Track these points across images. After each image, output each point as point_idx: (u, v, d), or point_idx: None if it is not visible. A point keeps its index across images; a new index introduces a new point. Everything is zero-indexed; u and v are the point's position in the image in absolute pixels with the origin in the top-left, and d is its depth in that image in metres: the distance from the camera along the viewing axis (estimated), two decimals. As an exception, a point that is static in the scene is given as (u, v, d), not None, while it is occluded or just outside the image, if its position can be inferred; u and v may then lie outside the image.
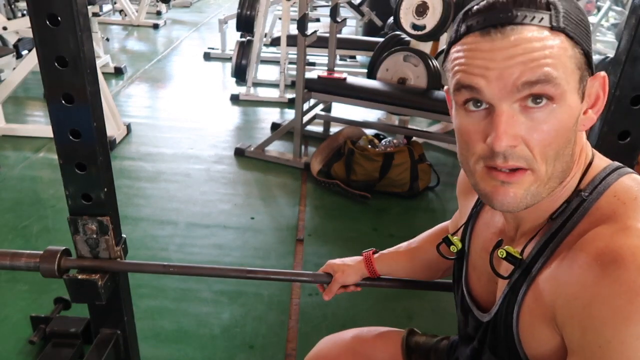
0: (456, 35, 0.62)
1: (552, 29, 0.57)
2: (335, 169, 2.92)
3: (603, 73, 0.63)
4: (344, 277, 1.06)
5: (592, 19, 5.88)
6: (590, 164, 0.66)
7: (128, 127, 3.54)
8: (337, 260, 1.10)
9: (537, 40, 0.56)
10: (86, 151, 1.02)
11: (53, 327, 1.64)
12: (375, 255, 1.08)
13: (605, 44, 5.43)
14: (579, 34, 0.58)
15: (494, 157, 0.59)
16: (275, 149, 3.36)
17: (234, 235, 2.46)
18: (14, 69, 3.37)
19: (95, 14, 4.84)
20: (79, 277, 1.09)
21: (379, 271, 1.07)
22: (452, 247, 0.83)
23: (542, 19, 0.56)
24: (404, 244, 1.09)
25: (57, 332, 1.63)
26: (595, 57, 4.98)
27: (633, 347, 0.49)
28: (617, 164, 0.67)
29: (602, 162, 0.67)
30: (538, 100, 0.57)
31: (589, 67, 0.60)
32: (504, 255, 0.67)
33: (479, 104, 0.60)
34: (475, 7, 0.60)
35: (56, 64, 0.93)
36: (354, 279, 1.07)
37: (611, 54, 4.40)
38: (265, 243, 2.42)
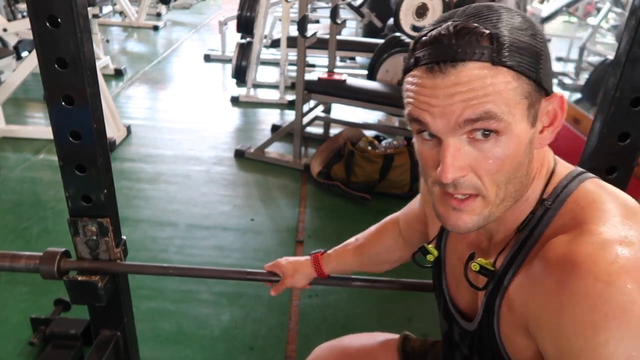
0: (408, 65, 0.62)
1: (494, 64, 0.56)
2: (335, 171, 2.92)
3: (560, 94, 0.63)
4: (292, 282, 1.09)
5: (591, 21, 5.88)
6: (552, 173, 0.67)
7: (128, 128, 3.54)
8: (285, 262, 1.11)
9: (478, 78, 0.56)
10: (86, 153, 1.02)
11: (53, 329, 1.64)
12: (323, 255, 1.10)
13: (605, 46, 5.44)
14: (524, 63, 0.57)
15: (444, 185, 0.61)
16: (275, 150, 3.36)
17: (233, 236, 2.45)
18: (14, 70, 3.37)
19: (95, 16, 4.83)
20: (79, 278, 1.09)
21: (329, 271, 1.09)
22: (428, 256, 0.82)
23: (482, 54, 0.56)
24: (352, 240, 1.12)
25: (57, 334, 1.63)
26: (595, 59, 4.98)
27: (604, 353, 0.51)
28: (579, 169, 0.67)
29: (564, 169, 0.68)
30: (486, 133, 0.58)
31: (542, 89, 0.60)
32: (478, 268, 0.68)
33: (431, 134, 0.61)
34: (423, 38, 0.60)
35: (56, 66, 0.93)
36: (302, 283, 1.10)
37: (611, 55, 4.40)
38: (265, 245, 2.41)
